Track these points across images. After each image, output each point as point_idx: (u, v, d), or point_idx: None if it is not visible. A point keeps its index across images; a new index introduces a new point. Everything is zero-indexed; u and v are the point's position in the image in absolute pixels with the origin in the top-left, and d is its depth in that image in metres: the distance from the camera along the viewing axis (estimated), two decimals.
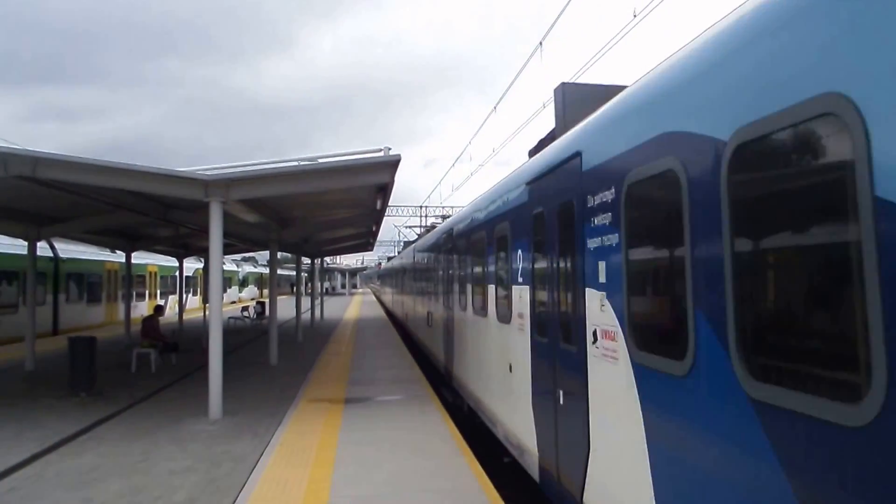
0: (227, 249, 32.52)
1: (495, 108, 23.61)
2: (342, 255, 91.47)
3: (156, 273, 47.43)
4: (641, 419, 5.50)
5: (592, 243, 6.63)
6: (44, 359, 22.43)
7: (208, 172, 13.85)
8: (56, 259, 33.50)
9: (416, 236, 36.35)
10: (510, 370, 10.14)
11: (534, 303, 8.92)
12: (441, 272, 18.61)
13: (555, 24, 14.93)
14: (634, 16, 11.35)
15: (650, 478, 5.31)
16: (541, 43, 16.02)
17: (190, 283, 53.17)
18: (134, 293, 38.40)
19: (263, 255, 61.98)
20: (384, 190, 16.96)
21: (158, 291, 47.89)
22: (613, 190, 6.02)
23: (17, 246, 27.21)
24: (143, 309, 39.24)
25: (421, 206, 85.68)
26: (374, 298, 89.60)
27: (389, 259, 75.18)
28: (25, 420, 13.37)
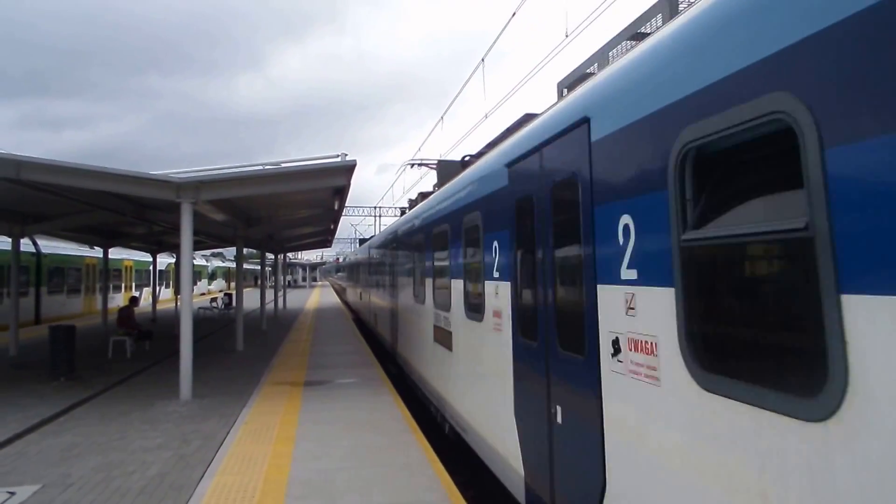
0: (198, 245, 32.03)
1: (442, 118, 23.66)
2: (303, 251, 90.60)
3: (131, 267, 46.45)
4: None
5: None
6: (26, 346, 21.84)
7: (180, 175, 13.64)
8: (38, 254, 32.66)
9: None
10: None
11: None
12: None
13: (495, 43, 15.02)
14: (566, 36, 11.48)
15: None
16: (483, 60, 16.10)
17: (163, 276, 52.18)
18: (111, 286, 37.59)
19: (231, 251, 61.13)
20: (341, 192, 16.89)
21: (133, 284, 46.93)
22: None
23: (2, 242, 26.43)
24: (119, 300, 38.46)
25: (375, 207, 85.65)
26: (332, 291, 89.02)
27: (364, 242, 45.32)
28: (7, 402, 12.98)
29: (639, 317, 4.35)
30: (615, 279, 4.66)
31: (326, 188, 15.69)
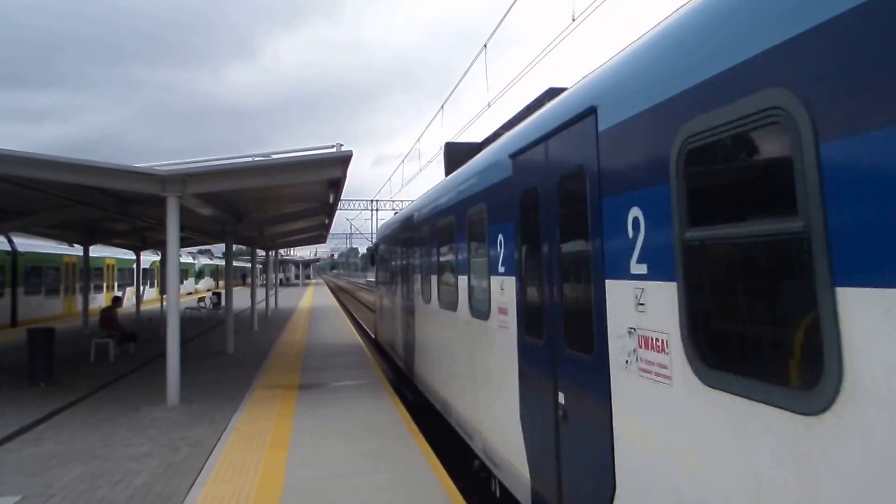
0: (184, 242, 32.04)
1: (442, 107, 23.65)
2: (296, 247, 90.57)
3: (113, 266, 46.45)
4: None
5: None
6: (2, 350, 21.85)
7: (166, 168, 13.63)
8: (14, 253, 32.64)
9: None
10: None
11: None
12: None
13: (498, 27, 14.99)
14: (573, 20, 11.45)
15: None
16: (485, 45, 16.06)
17: (147, 275, 52.20)
18: (92, 285, 37.59)
19: (219, 248, 61.10)
20: (336, 184, 16.87)
21: (116, 284, 46.95)
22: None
23: None
24: (101, 301, 38.47)
25: (372, 201, 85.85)
26: (326, 289, 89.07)
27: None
28: None
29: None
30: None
31: (320, 181, 15.66)
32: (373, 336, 27.78)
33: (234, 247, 27.56)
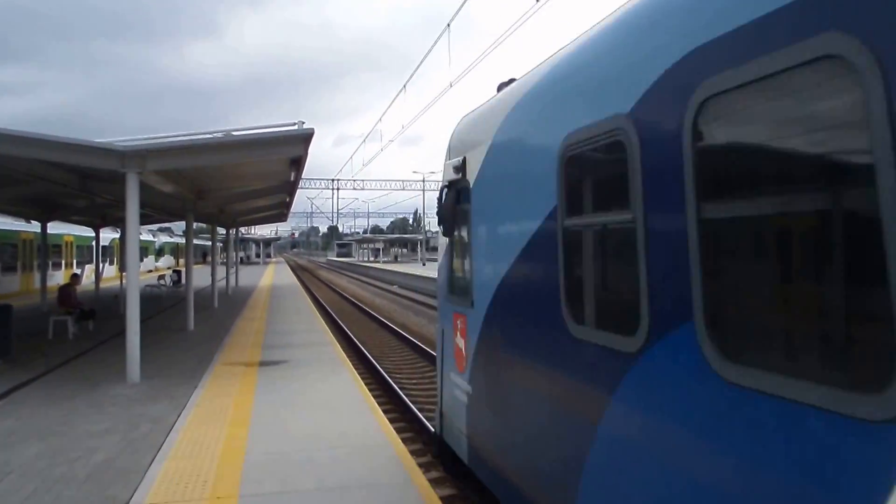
0: (144, 220, 31.38)
1: (405, 87, 23.43)
2: (257, 226, 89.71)
3: (72, 243, 45.43)
4: None
5: None
6: None
7: (125, 144, 13.25)
8: None
9: None
10: None
11: None
12: None
13: (462, 7, 14.82)
14: (537, 1, 11.35)
15: None
16: (448, 25, 15.89)
17: (106, 252, 51.13)
18: (50, 263, 36.68)
19: (179, 226, 60.16)
20: (298, 162, 16.63)
21: (75, 261, 45.92)
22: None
23: None
24: (59, 278, 37.59)
25: (333, 180, 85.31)
26: (286, 267, 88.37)
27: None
28: None
29: None
30: None
31: (282, 158, 15.44)
32: (432, 429, 9.87)
33: (195, 225, 27.11)
